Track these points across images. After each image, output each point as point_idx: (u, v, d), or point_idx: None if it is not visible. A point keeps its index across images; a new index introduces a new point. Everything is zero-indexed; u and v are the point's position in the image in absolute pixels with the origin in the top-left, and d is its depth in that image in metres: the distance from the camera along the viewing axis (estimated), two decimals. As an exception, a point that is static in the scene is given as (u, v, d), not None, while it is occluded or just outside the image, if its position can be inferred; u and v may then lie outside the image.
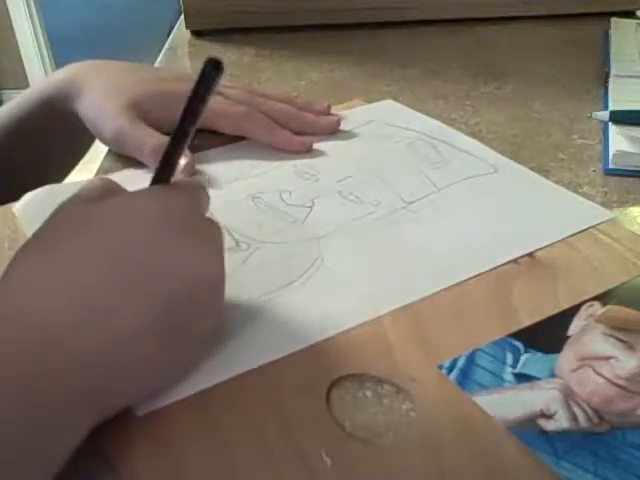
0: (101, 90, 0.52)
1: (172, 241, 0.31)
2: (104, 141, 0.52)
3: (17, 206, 0.45)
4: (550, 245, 0.42)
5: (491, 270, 0.40)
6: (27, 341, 0.27)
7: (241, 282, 0.39)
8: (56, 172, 0.60)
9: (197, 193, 0.35)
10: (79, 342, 0.27)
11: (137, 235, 0.31)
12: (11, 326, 0.27)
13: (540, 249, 0.41)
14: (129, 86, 0.52)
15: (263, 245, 0.42)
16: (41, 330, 0.27)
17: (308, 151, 0.53)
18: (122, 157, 0.52)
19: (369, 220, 0.45)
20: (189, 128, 0.33)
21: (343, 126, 0.57)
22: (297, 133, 0.54)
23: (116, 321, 0.28)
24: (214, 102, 0.52)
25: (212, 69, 0.32)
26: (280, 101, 0.56)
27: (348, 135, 0.56)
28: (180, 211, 0.33)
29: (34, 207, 0.45)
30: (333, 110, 0.59)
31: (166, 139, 0.48)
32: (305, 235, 0.43)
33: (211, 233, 0.34)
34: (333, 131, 0.55)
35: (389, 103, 0.62)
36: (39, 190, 0.47)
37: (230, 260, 0.40)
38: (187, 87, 0.51)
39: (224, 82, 0.56)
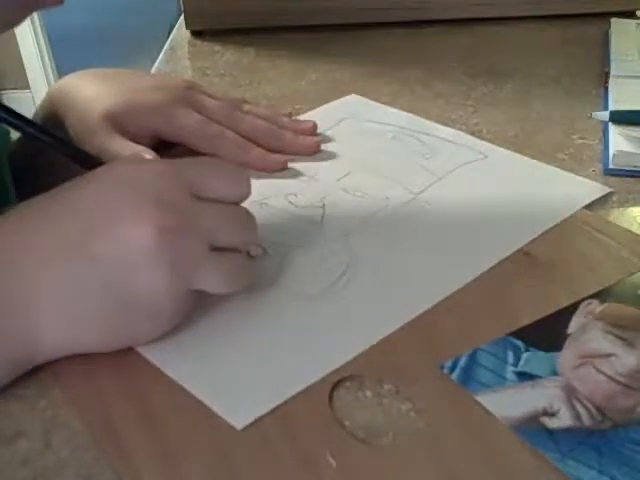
0: (79, 108, 0.51)
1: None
2: None
3: None
4: (546, 244, 0.42)
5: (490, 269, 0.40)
6: None
7: (281, 288, 0.38)
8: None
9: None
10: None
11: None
12: None
13: (537, 248, 0.41)
14: (103, 99, 0.51)
15: (291, 250, 0.41)
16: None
17: (283, 169, 0.51)
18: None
19: (386, 214, 0.44)
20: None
21: (318, 127, 0.55)
22: (275, 151, 0.52)
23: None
24: (187, 118, 0.51)
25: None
26: (264, 118, 0.54)
27: (327, 136, 0.55)
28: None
29: None
30: (313, 113, 0.58)
31: (139, 148, 0.48)
32: (330, 235, 0.43)
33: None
34: (312, 152, 0.53)
35: (354, 98, 0.61)
36: None
37: (262, 267, 0.40)
38: (161, 97, 0.52)
39: (208, 92, 0.55)
